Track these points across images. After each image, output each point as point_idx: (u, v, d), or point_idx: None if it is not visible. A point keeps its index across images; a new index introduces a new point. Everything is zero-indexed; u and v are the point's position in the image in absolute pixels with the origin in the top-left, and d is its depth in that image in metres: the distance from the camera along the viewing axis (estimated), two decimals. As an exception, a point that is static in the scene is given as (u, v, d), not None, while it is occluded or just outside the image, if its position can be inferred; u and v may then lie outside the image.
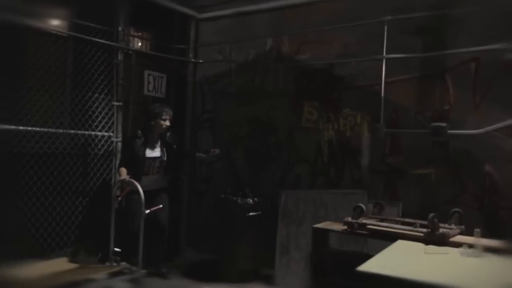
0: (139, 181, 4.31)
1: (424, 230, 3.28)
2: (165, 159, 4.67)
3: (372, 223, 3.63)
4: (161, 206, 4.39)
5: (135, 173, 4.45)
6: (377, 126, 4.45)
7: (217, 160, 5.50)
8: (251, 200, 4.72)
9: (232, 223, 4.67)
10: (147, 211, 4.20)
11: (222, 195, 4.82)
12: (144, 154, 4.54)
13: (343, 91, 4.73)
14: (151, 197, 4.41)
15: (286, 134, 5.10)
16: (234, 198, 4.71)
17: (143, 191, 4.17)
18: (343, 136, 4.72)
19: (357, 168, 4.62)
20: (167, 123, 4.57)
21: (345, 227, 3.75)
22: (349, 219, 3.75)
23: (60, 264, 4.37)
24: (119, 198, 4.51)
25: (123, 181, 4.29)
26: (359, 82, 4.60)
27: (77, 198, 4.67)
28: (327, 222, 4.11)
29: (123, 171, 4.44)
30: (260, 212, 4.70)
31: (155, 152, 4.63)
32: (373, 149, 4.54)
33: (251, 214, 4.67)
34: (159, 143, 4.67)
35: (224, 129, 5.61)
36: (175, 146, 4.79)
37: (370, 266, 2.68)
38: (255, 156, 5.34)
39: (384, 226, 3.55)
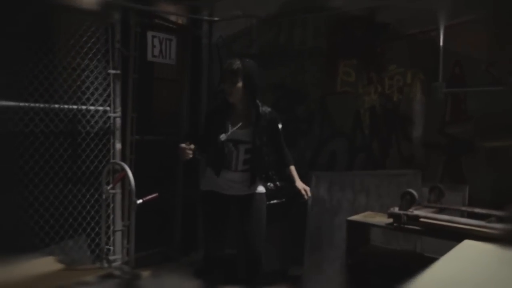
0: (216, 177, 2.98)
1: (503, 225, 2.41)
2: (258, 147, 2.93)
3: (427, 216, 2.73)
4: (156, 194, 3.50)
5: (212, 167, 3.04)
6: (435, 86, 3.47)
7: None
8: (272, 185, 3.81)
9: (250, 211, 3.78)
10: (139, 200, 3.39)
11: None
12: (219, 134, 2.89)
13: (388, 42, 3.79)
14: (237, 204, 3.04)
15: (318, 102, 4.25)
16: (252, 183, 3.81)
17: (218, 193, 2.99)
18: (389, 101, 3.79)
19: (408, 142, 3.69)
20: (227, 88, 2.84)
21: (391, 220, 2.88)
22: (396, 209, 2.90)
23: (45, 264, 3.66)
24: (112, 186, 3.75)
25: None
26: (409, 29, 3.58)
27: (65, 186, 3.94)
28: (367, 213, 3.32)
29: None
30: (284, 200, 3.82)
31: (240, 134, 2.91)
32: (428, 117, 3.60)
33: (272, 202, 3.78)
34: (247, 121, 2.92)
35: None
36: (279, 125, 3.05)
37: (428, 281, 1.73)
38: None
39: (444, 220, 2.64)
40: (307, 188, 3.10)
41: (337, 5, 4.04)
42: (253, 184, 3.03)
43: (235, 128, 2.89)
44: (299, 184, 3.12)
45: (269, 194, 3.78)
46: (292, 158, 3.26)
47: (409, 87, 3.63)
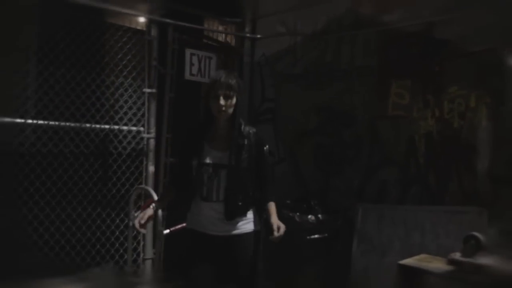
0: (188, 210, 2.58)
1: None
2: (241, 171, 2.47)
3: (496, 266, 2.26)
4: (184, 224, 3.19)
5: (183, 197, 2.64)
6: (504, 110, 3.00)
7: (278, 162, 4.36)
8: (313, 218, 3.46)
9: (287, 247, 3.42)
10: (166, 231, 3.12)
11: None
12: (199, 157, 2.48)
13: (448, 61, 3.36)
14: (218, 249, 2.49)
15: (367, 127, 3.86)
16: (291, 214, 3.47)
17: (200, 232, 2.51)
18: (449, 127, 3.36)
19: (471, 175, 3.23)
20: (222, 102, 2.40)
21: (451, 267, 2.46)
22: (458, 255, 2.48)
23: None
24: (140, 212, 3.51)
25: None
26: (473, 46, 3.15)
27: (94, 210, 3.73)
28: (422, 256, 2.92)
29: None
30: (326, 235, 3.43)
31: (220, 156, 2.48)
32: (496, 146, 3.12)
33: (314, 236, 3.42)
34: (228, 140, 2.50)
35: (288, 122, 4.44)
36: (265, 148, 2.58)
37: None
38: (326, 156, 4.16)
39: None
40: (282, 226, 2.41)
41: (390, 20, 3.67)
42: (236, 217, 2.47)
43: (214, 150, 2.47)
44: (274, 219, 2.46)
45: (311, 228, 3.45)
46: (274, 194, 2.62)
47: (472, 111, 3.18)
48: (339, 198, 3.92)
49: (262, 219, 2.59)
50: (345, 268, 3.43)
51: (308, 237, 3.43)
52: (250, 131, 2.52)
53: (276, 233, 2.38)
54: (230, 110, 2.44)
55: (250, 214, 2.52)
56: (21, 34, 3.52)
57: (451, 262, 2.52)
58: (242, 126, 2.51)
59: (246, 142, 2.48)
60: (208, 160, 2.45)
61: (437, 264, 2.66)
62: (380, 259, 3.31)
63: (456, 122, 3.26)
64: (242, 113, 4.62)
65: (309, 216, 3.48)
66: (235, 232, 2.47)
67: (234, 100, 2.44)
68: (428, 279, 2.67)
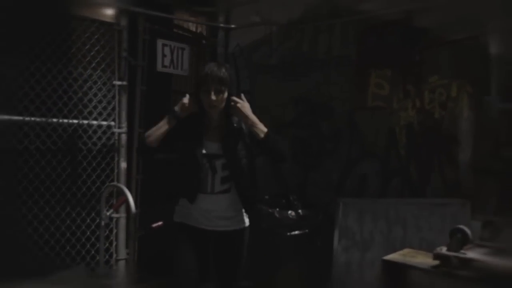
0: (190, 205, 2.42)
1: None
2: (236, 162, 2.39)
3: (484, 259, 2.24)
4: (160, 223, 3.05)
5: (183, 191, 2.48)
6: (486, 100, 2.98)
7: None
8: (293, 213, 3.37)
9: (268, 245, 3.32)
10: (108, 212, 3.02)
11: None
12: (197, 146, 2.39)
13: (428, 50, 3.33)
14: (215, 243, 2.46)
15: (346, 118, 3.82)
16: (270, 210, 3.38)
17: (192, 227, 2.40)
18: (430, 117, 3.36)
19: (453, 166, 3.24)
20: (213, 97, 2.28)
21: (437, 262, 2.41)
22: (443, 250, 2.41)
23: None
24: (112, 211, 3.36)
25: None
26: (454, 34, 3.11)
27: (63, 209, 3.54)
28: (406, 251, 2.84)
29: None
30: (306, 231, 3.35)
31: (214, 147, 2.40)
32: (478, 136, 3.13)
33: (294, 233, 3.33)
34: (222, 131, 2.42)
35: (264, 113, 4.30)
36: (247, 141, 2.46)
37: None
38: (304, 149, 4.09)
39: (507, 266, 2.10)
40: (246, 105, 2.38)
41: (368, 8, 3.61)
42: (237, 212, 2.44)
43: (208, 141, 2.39)
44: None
45: (291, 224, 3.36)
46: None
47: (454, 101, 3.16)
48: (318, 193, 3.86)
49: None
50: (327, 265, 3.36)
51: (288, 234, 3.34)
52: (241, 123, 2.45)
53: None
54: (222, 105, 2.35)
55: (243, 210, 2.48)
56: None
57: (437, 256, 2.45)
58: (233, 118, 2.43)
59: (239, 133, 2.41)
60: (202, 151, 2.37)
61: (422, 259, 2.59)
62: (362, 254, 3.25)
63: (437, 112, 3.24)
64: None
65: (289, 212, 3.39)
66: (233, 227, 2.43)
67: (225, 94, 2.33)
68: (413, 275, 2.60)
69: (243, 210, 2.47)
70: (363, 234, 3.30)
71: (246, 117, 2.37)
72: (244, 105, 2.38)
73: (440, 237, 2.61)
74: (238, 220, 2.45)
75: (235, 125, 2.42)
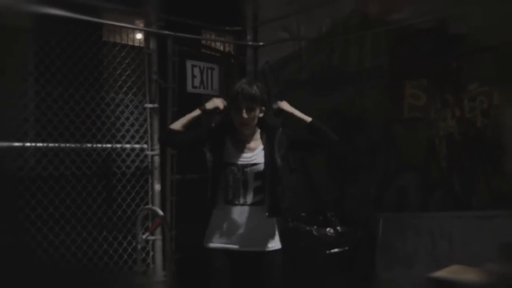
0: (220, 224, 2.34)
1: None
2: (277, 170, 2.30)
3: None
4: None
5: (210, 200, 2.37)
6: None
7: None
8: (332, 230, 3.27)
9: (306, 263, 3.23)
10: (144, 235, 3.01)
11: (291, 223, 3.40)
12: (222, 157, 2.31)
13: (466, 57, 3.17)
14: (242, 264, 2.32)
15: (381, 131, 3.70)
16: (307, 228, 3.29)
17: (221, 249, 2.31)
18: (472, 126, 3.19)
19: (499, 175, 3.04)
20: (244, 115, 2.22)
21: (488, 278, 2.37)
22: (495, 266, 2.34)
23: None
24: (148, 234, 3.34)
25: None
26: (492, 40, 2.98)
27: (99, 233, 3.54)
28: (454, 268, 2.74)
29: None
30: (346, 248, 3.24)
31: (246, 156, 2.32)
32: None
33: (333, 251, 3.22)
34: (255, 145, 2.34)
35: (297, 130, 4.23)
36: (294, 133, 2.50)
37: None
38: (339, 164, 3.99)
39: None
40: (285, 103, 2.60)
41: (399, 18, 3.51)
42: (268, 229, 2.31)
43: (238, 152, 2.32)
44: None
45: (330, 241, 3.26)
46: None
47: (497, 109, 3.00)
48: (356, 208, 3.74)
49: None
50: (369, 283, 3.24)
51: (327, 252, 3.24)
52: (278, 125, 2.44)
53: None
54: (254, 122, 2.30)
55: (276, 230, 2.37)
56: (16, 56, 3.38)
57: (488, 273, 2.32)
58: (267, 121, 2.42)
59: (277, 137, 2.35)
60: (233, 160, 2.30)
61: (471, 276, 2.46)
62: (406, 271, 3.11)
63: (480, 121, 3.09)
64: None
65: (327, 229, 3.30)
66: (260, 248, 2.30)
67: (257, 112, 2.28)
68: (463, 293, 2.48)
69: (275, 229, 2.35)
70: (406, 250, 3.16)
71: (292, 112, 2.52)
72: (284, 103, 2.53)
73: (490, 252, 2.46)
74: (267, 240, 2.31)
75: (270, 128, 2.38)
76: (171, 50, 4.00)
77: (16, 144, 3.21)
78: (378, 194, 3.65)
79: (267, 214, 2.28)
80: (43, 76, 3.40)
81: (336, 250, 3.25)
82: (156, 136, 3.87)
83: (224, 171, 2.28)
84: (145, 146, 3.82)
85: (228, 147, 2.31)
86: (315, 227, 3.33)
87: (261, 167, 2.27)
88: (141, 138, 3.82)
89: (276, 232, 2.35)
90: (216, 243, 2.32)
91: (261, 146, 2.32)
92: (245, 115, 2.22)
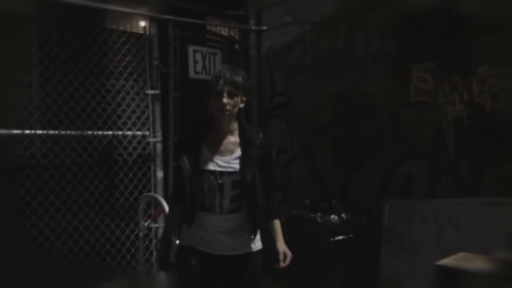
0: (190, 223, 2.17)
1: None
2: (250, 178, 2.13)
3: None
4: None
5: (185, 208, 2.19)
6: None
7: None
8: (336, 218, 3.21)
9: (310, 250, 3.17)
10: (146, 222, 2.97)
11: (295, 210, 3.34)
12: (197, 164, 2.15)
13: (475, 39, 3.04)
14: (221, 267, 2.18)
15: (387, 116, 3.56)
16: (312, 215, 3.23)
17: (201, 252, 2.15)
18: (481, 110, 3.05)
19: (509, 161, 2.90)
20: (225, 100, 2.07)
21: (497, 266, 2.23)
22: (503, 253, 2.23)
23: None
24: (150, 221, 3.30)
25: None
26: (501, 20, 2.86)
27: (102, 221, 3.52)
28: (461, 255, 2.70)
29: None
30: (351, 235, 3.18)
31: (223, 162, 2.14)
32: None
33: (337, 238, 3.16)
34: (233, 146, 2.18)
35: (301, 116, 4.19)
36: (273, 154, 2.24)
37: None
38: (344, 150, 3.88)
39: None
40: (289, 254, 2.21)
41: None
42: (249, 232, 2.16)
43: (215, 155, 2.13)
44: (280, 246, 2.22)
45: (334, 229, 3.19)
46: (279, 208, 2.42)
47: (507, 92, 2.88)
48: (361, 195, 3.65)
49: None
50: (374, 271, 3.17)
51: (331, 239, 3.17)
52: (259, 134, 2.21)
53: (282, 263, 2.17)
54: (234, 110, 2.12)
55: (258, 230, 2.20)
56: (20, 42, 3.34)
57: (496, 260, 2.24)
58: (249, 128, 2.22)
59: (255, 146, 2.16)
60: (209, 167, 2.12)
61: (479, 264, 2.39)
62: (411, 259, 3.04)
63: (489, 104, 2.97)
64: (252, 112, 4.52)
65: (332, 216, 3.23)
66: (244, 251, 2.16)
67: (239, 100, 2.12)
68: (470, 281, 2.40)
69: (256, 231, 2.19)
70: (412, 238, 3.08)
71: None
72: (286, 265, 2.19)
73: (498, 239, 2.38)
74: (249, 243, 2.17)
75: (248, 137, 2.16)
76: (172, 35, 3.93)
77: (16, 131, 3.17)
78: (384, 181, 3.54)
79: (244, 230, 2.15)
80: (42, 62, 3.36)
81: (340, 237, 3.18)
82: (158, 123, 3.82)
83: (200, 178, 2.12)
84: (146, 133, 3.78)
85: (204, 153, 2.14)
86: (319, 214, 3.26)
87: (238, 176, 2.12)
88: (143, 125, 3.78)
89: (258, 232, 2.20)
90: (188, 242, 2.19)
91: (238, 152, 2.14)
92: (225, 99, 2.06)
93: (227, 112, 2.09)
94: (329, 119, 3.97)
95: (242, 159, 2.13)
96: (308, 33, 4.14)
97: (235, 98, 2.10)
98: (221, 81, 2.08)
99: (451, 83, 3.15)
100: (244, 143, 2.15)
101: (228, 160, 2.13)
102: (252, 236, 2.16)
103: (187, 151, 2.15)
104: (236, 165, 2.13)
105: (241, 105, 2.15)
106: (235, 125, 2.18)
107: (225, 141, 2.16)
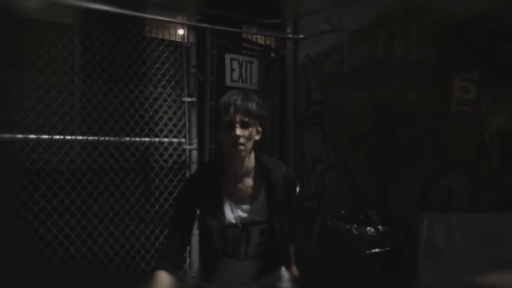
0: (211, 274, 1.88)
1: None
2: (279, 227, 1.85)
3: None
4: None
5: (202, 262, 1.97)
6: None
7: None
8: (372, 230, 3.13)
9: (345, 263, 3.10)
10: None
11: (330, 221, 3.28)
12: (215, 216, 1.82)
13: (521, 47, 2.91)
14: None
15: (427, 126, 3.49)
16: (347, 227, 3.16)
17: None
18: None
19: None
20: (238, 132, 1.75)
21: None
22: None
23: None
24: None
25: None
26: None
27: (137, 227, 3.55)
28: (505, 272, 2.45)
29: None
30: (387, 248, 3.09)
31: (246, 213, 1.84)
32: None
33: (373, 251, 3.09)
34: (254, 191, 1.86)
35: (338, 125, 4.13)
36: (297, 190, 1.97)
37: None
38: (381, 160, 3.83)
39: None
40: None
41: (447, 7, 3.29)
42: (275, 275, 1.92)
43: (235, 206, 1.83)
44: None
45: (370, 241, 3.12)
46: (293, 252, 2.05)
47: (555, 102, 2.76)
48: (399, 207, 3.57)
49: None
50: (411, 286, 3.07)
51: (367, 252, 3.10)
52: (282, 170, 1.89)
53: None
54: (249, 145, 1.78)
55: (283, 271, 1.94)
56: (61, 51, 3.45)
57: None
58: (271, 165, 1.89)
59: (280, 188, 1.86)
60: (231, 220, 1.81)
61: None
62: (451, 275, 2.93)
63: (535, 116, 2.86)
64: (287, 120, 4.51)
65: (368, 228, 3.15)
66: None
67: (254, 131, 1.78)
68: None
69: (282, 269, 1.93)
70: (452, 253, 2.98)
71: None
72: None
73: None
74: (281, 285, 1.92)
75: (272, 180, 1.85)
76: (210, 44, 3.97)
77: (57, 137, 3.25)
78: (423, 193, 3.45)
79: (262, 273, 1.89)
80: (84, 70, 3.45)
81: (376, 250, 3.11)
82: (194, 130, 3.85)
83: (223, 232, 1.81)
84: (183, 140, 3.80)
85: (223, 205, 1.81)
86: (355, 225, 3.20)
87: (265, 225, 1.82)
88: (179, 132, 3.80)
89: (285, 271, 1.94)
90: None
91: (261, 198, 1.84)
92: (238, 131, 1.72)
93: (241, 147, 1.75)
94: (366, 128, 3.91)
95: (268, 208, 1.83)
96: (346, 42, 4.11)
97: (250, 129, 1.76)
98: (232, 110, 1.73)
99: (495, 93, 3.05)
100: (268, 188, 1.84)
101: (251, 210, 1.82)
102: (280, 278, 1.92)
103: (201, 201, 1.82)
104: (261, 215, 1.83)
105: (257, 137, 1.82)
106: (251, 163, 1.85)
107: (243, 186, 1.84)
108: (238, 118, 1.73)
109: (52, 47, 3.32)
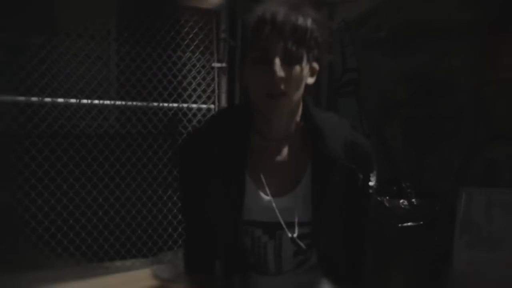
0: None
1: None
2: (329, 233, 1.19)
3: None
4: None
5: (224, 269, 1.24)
6: None
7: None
8: (406, 203, 2.98)
9: (375, 237, 2.97)
10: None
11: (361, 193, 3.14)
12: (229, 207, 1.13)
13: None
14: None
15: (470, 94, 3.22)
16: (379, 199, 3.01)
17: None
18: None
19: None
20: (278, 71, 1.00)
21: None
22: None
23: (139, 279, 3.33)
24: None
25: None
26: None
27: (165, 192, 3.55)
28: None
29: None
30: (421, 223, 2.94)
31: (279, 207, 1.12)
32: None
33: (406, 224, 2.95)
34: (297, 167, 1.15)
35: (374, 93, 3.93)
36: (372, 179, 1.25)
37: None
38: (419, 131, 3.59)
39: None
40: None
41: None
42: None
43: (264, 192, 1.14)
44: None
45: (403, 214, 2.98)
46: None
47: None
48: (435, 180, 3.37)
49: None
50: (445, 263, 2.92)
51: (399, 225, 2.96)
52: (341, 139, 1.16)
53: None
54: (296, 93, 1.07)
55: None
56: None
57: None
58: (323, 127, 1.16)
59: (338, 171, 1.15)
60: (258, 216, 1.14)
61: None
62: (489, 253, 2.76)
63: None
64: (321, 88, 4.36)
65: (401, 201, 3.00)
66: None
67: (306, 70, 1.07)
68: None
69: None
70: (491, 230, 2.79)
71: None
72: None
73: None
74: None
75: (326, 149, 1.14)
76: (241, 8, 3.83)
77: (84, 101, 3.24)
78: (462, 166, 3.24)
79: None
80: (113, 36, 3.42)
81: (409, 224, 2.96)
82: (223, 97, 3.76)
83: (241, 234, 1.16)
84: (212, 106, 3.73)
85: (247, 188, 1.13)
86: (387, 197, 3.05)
87: (308, 228, 1.16)
88: (208, 98, 3.74)
89: None
90: None
91: (308, 177, 1.15)
92: (278, 69, 1.01)
93: (282, 98, 1.05)
94: (404, 96, 3.69)
95: (315, 200, 1.14)
96: (384, 4, 3.86)
97: (299, 66, 1.04)
98: (267, 28, 1.02)
99: (547, 58, 2.79)
100: (318, 163, 1.14)
101: (288, 202, 1.14)
102: None
103: (211, 178, 1.14)
104: (304, 211, 1.15)
105: (310, 80, 1.13)
106: (296, 122, 1.16)
107: (280, 159, 1.15)
108: (278, 47, 1.02)
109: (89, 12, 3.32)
